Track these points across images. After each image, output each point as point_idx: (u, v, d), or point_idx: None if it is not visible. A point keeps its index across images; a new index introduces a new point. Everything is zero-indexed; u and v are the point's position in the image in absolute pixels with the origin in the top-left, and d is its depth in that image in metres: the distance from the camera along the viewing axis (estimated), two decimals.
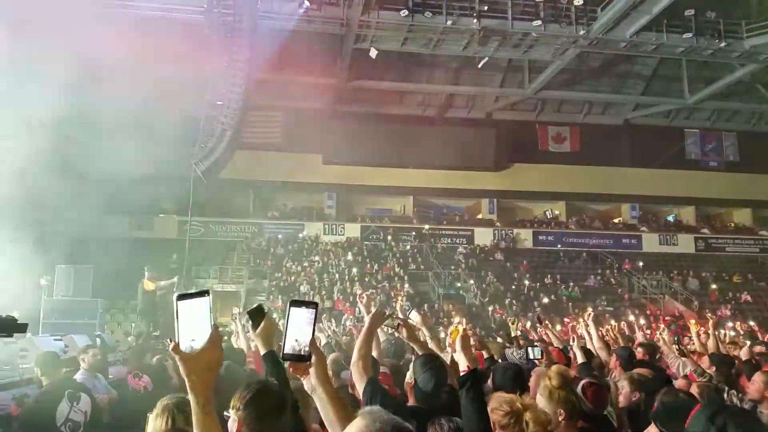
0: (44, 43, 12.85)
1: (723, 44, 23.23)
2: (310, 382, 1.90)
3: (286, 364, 1.96)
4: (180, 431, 2.64)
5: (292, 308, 1.85)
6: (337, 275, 24.05)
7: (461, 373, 2.83)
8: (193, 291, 1.71)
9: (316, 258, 25.65)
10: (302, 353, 1.84)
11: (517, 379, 3.94)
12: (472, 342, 3.27)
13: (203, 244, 25.17)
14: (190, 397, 1.66)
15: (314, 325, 1.86)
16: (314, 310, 1.87)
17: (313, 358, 1.87)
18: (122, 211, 23.97)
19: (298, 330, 1.84)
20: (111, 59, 17.49)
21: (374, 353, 4.32)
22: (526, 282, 25.40)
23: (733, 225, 33.71)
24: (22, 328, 3.62)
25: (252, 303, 20.03)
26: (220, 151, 23.81)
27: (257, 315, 2.30)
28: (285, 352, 1.85)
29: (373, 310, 3.62)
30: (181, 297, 1.66)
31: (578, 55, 24.66)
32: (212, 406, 1.69)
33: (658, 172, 31.26)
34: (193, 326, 1.65)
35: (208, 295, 1.69)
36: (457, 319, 5.00)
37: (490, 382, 4.26)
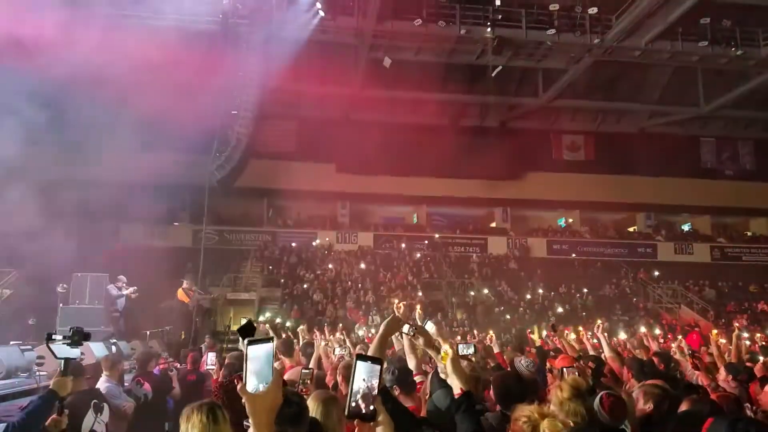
0: (62, 51, 13.05)
1: (739, 52, 23.09)
2: None
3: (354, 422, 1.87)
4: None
5: (358, 362, 1.82)
6: (350, 283, 24.05)
7: (455, 396, 2.86)
8: (261, 337, 1.88)
9: (330, 266, 25.69)
10: (367, 411, 1.79)
11: (517, 388, 3.92)
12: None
13: (217, 253, 25.32)
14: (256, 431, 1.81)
15: (380, 382, 1.81)
16: (379, 367, 1.83)
17: (380, 418, 1.80)
18: (137, 219, 24.16)
19: (362, 386, 1.80)
20: (127, 69, 17.71)
21: (412, 365, 4.27)
22: (540, 291, 25.26)
23: (749, 234, 33.37)
24: (89, 336, 3.79)
25: (265, 312, 20.17)
26: (234, 160, 23.95)
27: (249, 332, 2.38)
28: (350, 409, 1.79)
29: (415, 316, 3.64)
30: (251, 342, 1.82)
31: (593, 63, 24.58)
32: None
33: (673, 181, 31.04)
34: (258, 368, 1.81)
35: (273, 341, 1.87)
36: (446, 346, 4.97)
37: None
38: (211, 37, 21.37)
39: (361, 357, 1.83)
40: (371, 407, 1.78)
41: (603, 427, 3.61)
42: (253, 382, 1.81)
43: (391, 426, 1.79)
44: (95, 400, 4.87)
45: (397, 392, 3.85)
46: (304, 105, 28.23)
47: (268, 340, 1.88)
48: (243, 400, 1.79)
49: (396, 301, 4.64)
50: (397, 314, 4.10)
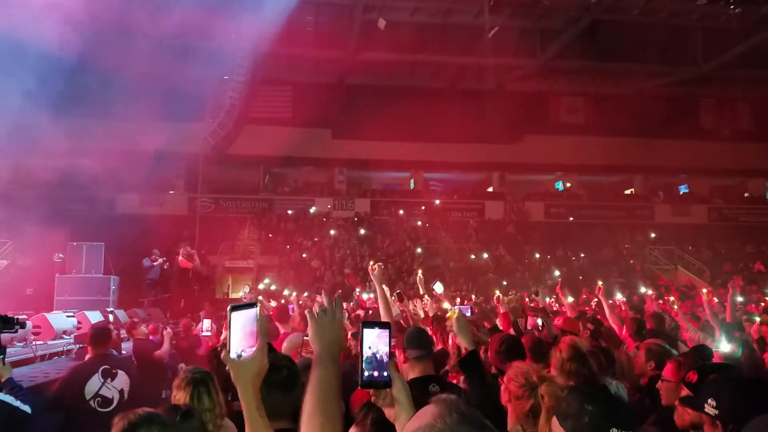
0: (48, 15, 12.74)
1: (738, 10, 22.68)
2: (393, 411, 1.70)
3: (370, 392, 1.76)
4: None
5: (364, 330, 1.72)
6: (348, 250, 24.05)
7: (462, 355, 2.84)
8: (244, 302, 1.85)
9: (331, 232, 25.62)
10: (381, 378, 1.69)
11: (513, 350, 3.92)
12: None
13: (214, 220, 25.26)
14: (242, 402, 1.79)
15: (389, 347, 1.71)
16: (388, 331, 1.73)
17: (396, 385, 1.69)
18: (133, 188, 24.06)
19: (372, 353, 1.70)
20: (116, 34, 17.38)
21: None
22: (538, 255, 25.29)
23: (746, 195, 33.37)
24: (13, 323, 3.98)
25: (263, 279, 20.22)
26: (228, 126, 23.68)
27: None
28: (363, 379, 1.68)
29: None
30: (234, 308, 1.77)
31: (591, 23, 24.15)
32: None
33: (671, 143, 30.81)
34: (242, 335, 1.78)
35: (257, 307, 1.84)
36: (446, 304, 5.02)
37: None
38: (201, 0, 20.91)
39: (367, 324, 1.73)
40: (385, 373, 1.69)
41: (597, 384, 3.61)
42: (237, 349, 1.77)
43: (407, 391, 1.70)
44: (105, 366, 4.83)
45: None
46: (298, 69, 27.82)
47: (252, 305, 1.83)
48: (227, 368, 1.75)
49: (372, 262, 4.70)
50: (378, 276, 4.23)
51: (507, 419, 2.65)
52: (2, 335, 3.83)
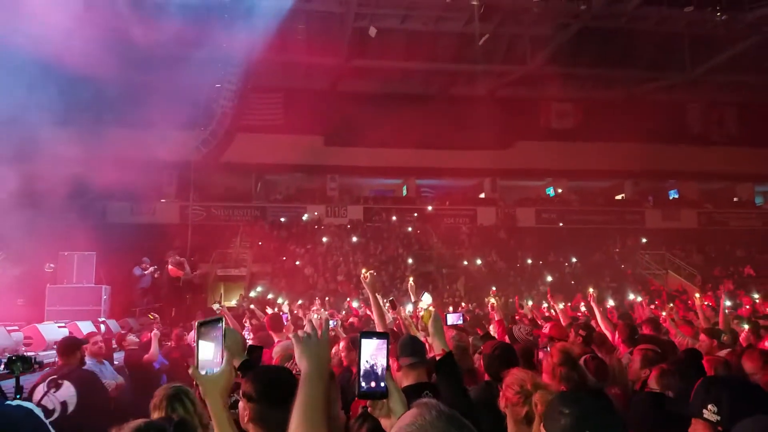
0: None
1: (725, 17, 22.93)
2: (389, 421, 1.71)
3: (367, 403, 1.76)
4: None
5: (363, 340, 1.73)
6: (341, 257, 24.03)
7: (437, 357, 2.87)
8: (210, 318, 1.88)
9: (323, 239, 25.58)
10: (378, 389, 1.70)
11: (505, 357, 3.90)
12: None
13: (206, 229, 25.18)
14: (212, 415, 1.85)
15: (387, 358, 1.73)
16: (386, 342, 1.74)
17: (393, 396, 1.71)
18: (124, 196, 23.95)
19: (370, 363, 1.71)
20: (107, 42, 17.31)
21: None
22: (529, 261, 25.36)
23: (735, 199, 33.63)
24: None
25: (256, 286, 20.18)
26: (220, 134, 23.63)
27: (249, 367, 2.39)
28: (360, 389, 1.70)
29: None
30: (202, 324, 1.82)
31: (580, 30, 24.33)
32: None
33: (660, 147, 31.01)
34: (209, 349, 1.82)
35: (222, 322, 1.86)
36: (425, 303, 5.05)
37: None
38: (193, 8, 20.91)
39: (366, 334, 1.75)
40: (382, 384, 1.70)
41: (588, 389, 3.66)
42: (205, 364, 1.81)
43: (403, 402, 1.71)
44: (54, 376, 4.79)
45: None
46: (290, 77, 27.83)
47: (218, 320, 1.85)
48: (195, 383, 1.79)
49: (364, 270, 4.73)
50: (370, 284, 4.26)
51: (484, 426, 2.68)
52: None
